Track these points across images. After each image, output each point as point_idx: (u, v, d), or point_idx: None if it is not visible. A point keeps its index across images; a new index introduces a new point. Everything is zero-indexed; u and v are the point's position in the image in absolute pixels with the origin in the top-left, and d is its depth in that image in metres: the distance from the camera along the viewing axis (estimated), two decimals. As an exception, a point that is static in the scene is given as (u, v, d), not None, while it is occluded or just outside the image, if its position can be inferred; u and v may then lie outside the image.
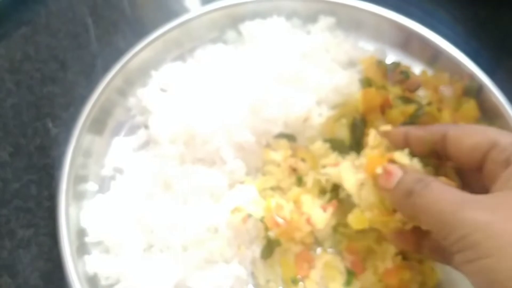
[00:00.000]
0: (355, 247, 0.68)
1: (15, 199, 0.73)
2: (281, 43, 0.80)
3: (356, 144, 0.75)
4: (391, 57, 0.84)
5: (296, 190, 0.71)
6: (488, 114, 0.78)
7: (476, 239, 0.39)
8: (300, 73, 0.76)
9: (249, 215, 0.65)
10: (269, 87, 0.73)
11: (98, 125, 0.75)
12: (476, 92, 0.79)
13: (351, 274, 0.66)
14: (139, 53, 0.79)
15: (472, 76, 0.79)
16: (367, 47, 0.85)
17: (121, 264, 0.65)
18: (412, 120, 0.73)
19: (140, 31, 0.82)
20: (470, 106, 0.77)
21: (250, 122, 0.71)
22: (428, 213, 0.45)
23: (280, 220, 0.65)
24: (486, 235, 0.39)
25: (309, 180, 0.72)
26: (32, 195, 0.73)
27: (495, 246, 0.39)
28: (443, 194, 0.45)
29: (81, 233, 0.67)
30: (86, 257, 0.66)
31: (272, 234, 0.65)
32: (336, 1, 0.86)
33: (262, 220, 0.66)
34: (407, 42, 0.85)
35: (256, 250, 0.66)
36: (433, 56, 0.84)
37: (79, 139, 0.71)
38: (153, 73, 0.78)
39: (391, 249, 0.67)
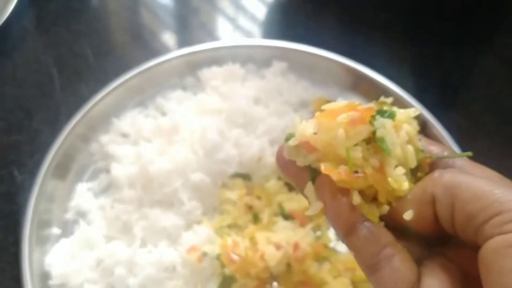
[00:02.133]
0: (309, 280, 0.71)
1: (-19, 246, 0.75)
2: (236, 88, 0.85)
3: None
4: (341, 98, 0.89)
5: (251, 227, 0.74)
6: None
7: None
8: (253, 116, 0.81)
9: (204, 254, 0.69)
10: (223, 130, 0.77)
11: (62, 171, 0.78)
12: (420, 128, 0.84)
13: (305, 306, 0.69)
14: (101, 100, 0.82)
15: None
16: (318, 89, 0.90)
17: (83, 306, 0.67)
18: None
19: (103, 79, 0.86)
20: (414, 142, 0.82)
21: (205, 163, 0.75)
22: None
23: (235, 257, 0.69)
24: None
25: (264, 216, 0.76)
26: (-2, 241, 0.75)
27: None
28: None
29: (45, 276, 0.70)
30: (49, 300, 0.68)
31: (227, 270, 0.69)
32: (288, 47, 0.91)
33: (218, 257, 0.69)
34: (356, 84, 0.91)
35: (213, 287, 0.69)
36: (380, 96, 0.89)
37: (42, 185, 0.74)
38: (114, 120, 0.82)
39: (344, 281, 0.71)
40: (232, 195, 0.76)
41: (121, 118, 0.83)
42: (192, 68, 0.89)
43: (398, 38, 1.02)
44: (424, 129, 0.84)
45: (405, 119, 0.38)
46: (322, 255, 0.73)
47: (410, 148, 0.36)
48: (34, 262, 0.69)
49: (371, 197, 0.36)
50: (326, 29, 1.03)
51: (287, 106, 0.84)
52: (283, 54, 0.91)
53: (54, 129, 0.81)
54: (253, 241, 0.72)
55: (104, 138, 0.80)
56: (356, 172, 0.35)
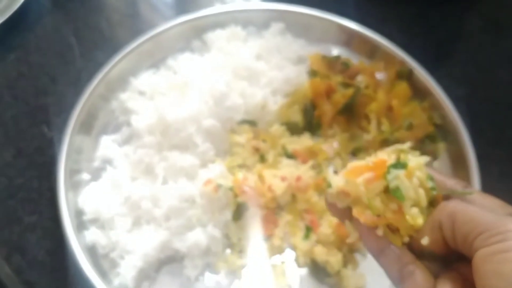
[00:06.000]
0: (312, 208, 0.81)
1: (21, 192, 0.84)
2: (239, 47, 0.94)
3: (308, 125, 0.89)
4: (335, 53, 0.98)
5: (259, 166, 0.84)
6: (419, 93, 0.92)
7: None
8: (256, 70, 0.90)
9: (219, 185, 0.78)
10: (230, 82, 0.86)
11: (87, 127, 0.87)
12: (407, 75, 0.93)
13: (309, 230, 0.79)
14: (117, 64, 0.91)
15: (403, 62, 0.94)
16: (314, 47, 0.99)
17: (115, 235, 0.76)
18: (352, 100, 0.87)
19: (117, 46, 0.95)
20: (402, 87, 0.91)
21: (216, 111, 0.84)
22: None
23: (246, 188, 0.78)
24: None
25: (270, 157, 0.85)
26: (34, 188, 0.84)
27: None
28: None
29: (79, 213, 0.79)
30: (85, 232, 0.77)
31: (240, 200, 0.78)
32: (285, 9, 1.00)
33: (231, 189, 0.78)
34: (349, 41, 1.00)
35: (228, 214, 0.78)
36: (371, 50, 0.98)
37: (71, 139, 0.83)
38: (131, 79, 0.91)
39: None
40: (241, 139, 0.85)
41: (137, 77, 0.92)
42: (197, 32, 0.98)
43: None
44: (411, 75, 0.93)
45: (416, 166, 0.45)
46: (322, 187, 0.82)
47: (421, 191, 0.45)
48: (69, 201, 0.78)
49: (396, 227, 0.46)
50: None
51: (286, 61, 0.93)
52: (280, 16, 1.00)
53: (77, 91, 0.90)
54: (261, 177, 0.81)
55: (123, 96, 0.90)
56: (379, 215, 0.45)
